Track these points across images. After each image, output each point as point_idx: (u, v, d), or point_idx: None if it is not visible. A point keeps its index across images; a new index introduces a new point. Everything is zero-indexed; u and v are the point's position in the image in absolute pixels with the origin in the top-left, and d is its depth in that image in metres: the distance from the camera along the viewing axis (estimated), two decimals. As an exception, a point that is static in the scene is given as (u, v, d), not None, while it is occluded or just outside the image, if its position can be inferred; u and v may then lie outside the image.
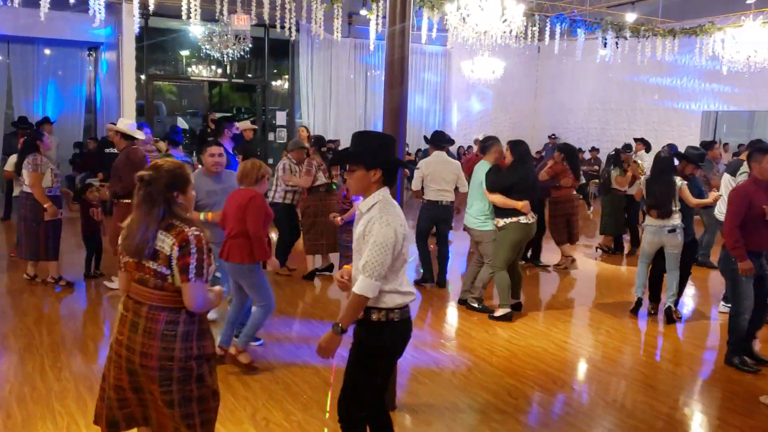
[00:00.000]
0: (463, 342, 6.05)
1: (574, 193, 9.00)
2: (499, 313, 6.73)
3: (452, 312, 7.08)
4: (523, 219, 6.53)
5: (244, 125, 11.24)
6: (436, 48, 18.07)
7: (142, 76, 15.16)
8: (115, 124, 7.71)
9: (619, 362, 5.78)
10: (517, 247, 6.74)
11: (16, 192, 7.88)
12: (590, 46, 14.76)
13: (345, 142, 16.06)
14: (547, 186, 8.69)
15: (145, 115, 15.34)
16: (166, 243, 2.88)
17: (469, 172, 7.40)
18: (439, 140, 7.90)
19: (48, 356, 5.35)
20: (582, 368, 5.70)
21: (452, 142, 8.74)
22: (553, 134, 19.35)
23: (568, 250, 9.18)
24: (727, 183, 7.51)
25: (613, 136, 17.87)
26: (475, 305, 6.98)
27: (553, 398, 4.98)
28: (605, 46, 13.83)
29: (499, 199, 6.53)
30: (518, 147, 6.68)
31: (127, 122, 7.54)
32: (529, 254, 9.17)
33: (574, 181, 8.86)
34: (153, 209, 2.89)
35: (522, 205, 6.46)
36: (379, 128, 11.46)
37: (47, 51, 14.87)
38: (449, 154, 9.53)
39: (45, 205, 7.12)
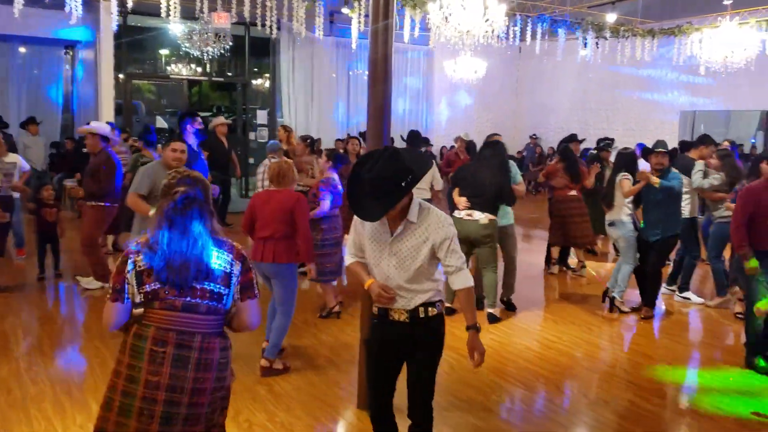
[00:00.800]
0: (446, 340, 6.01)
1: (573, 193, 8.61)
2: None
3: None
4: (456, 213, 6.53)
5: (217, 120, 11.14)
6: (418, 47, 18.05)
7: (121, 75, 14.97)
8: (88, 126, 7.60)
9: (602, 359, 5.80)
10: (460, 241, 6.57)
11: None
12: (571, 46, 14.83)
13: (327, 141, 16.02)
14: (544, 187, 8.74)
15: (123, 114, 15.16)
16: (222, 260, 2.63)
17: (449, 170, 7.47)
18: (415, 140, 7.93)
19: (23, 360, 5.25)
20: (565, 365, 5.70)
21: (427, 141, 8.87)
22: (534, 134, 19.44)
23: (579, 255, 8.95)
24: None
25: (593, 135, 17.87)
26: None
27: (537, 395, 4.98)
28: (585, 46, 13.89)
29: (455, 192, 6.69)
30: (483, 147, 6.93)
31: (99, 124, 7.48)
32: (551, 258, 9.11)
33: (569, 182, 8.62)
34: (203, 225, 2.64)
35: (457, 200, 6.55)
36: (362, 127, 11.39)
37: (22, 49, 14.60)
38: (427, 153, 9.62)
39: None
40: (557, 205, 8.69)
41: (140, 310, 2.63)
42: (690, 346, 6.25)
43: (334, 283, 6.65)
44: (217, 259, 2.62)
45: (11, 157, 7.97)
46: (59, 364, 5.23)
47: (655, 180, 6.49)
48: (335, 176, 6.61)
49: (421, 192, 7.66)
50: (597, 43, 13.53)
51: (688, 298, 7.59)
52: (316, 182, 6.82)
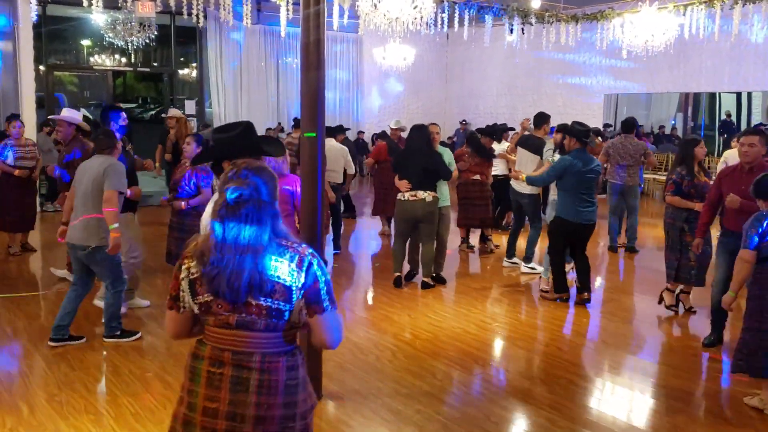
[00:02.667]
0: (385, 326, 6.08)
1: (475, 177, 8.87)
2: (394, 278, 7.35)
3: (372, 296, 7.10)
4: (400, 196, 7.14)
5: (174, 113, 10.86)
6: (347, 35, 18.00)
7: (41, 67, 14.41)
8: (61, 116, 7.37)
9: (538, 339, 5.96)
10: (401, 220, 7.25)
11: None
12: (498, 32, 15.03)
13: (258, 130, 15.82)
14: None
15: (45, 107, 14.60)
16: (281, 270, 2.20)
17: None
18: (329, 129, 8.43)
19: (-51, 364, 5.03)
20: (502, 347, 5.84)
21: (342, 129, 10.38)
22: (464, 120, 19.69)
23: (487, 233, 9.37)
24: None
25: (521, 120, 18.34)
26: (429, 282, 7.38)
27: (475, 377, 5.08)
28: (512, 32, 14.10)
29: (396, 178, 7.30)
30: (410, 132, 7.43)
31: (72, 113, 7.30)
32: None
33: (473, 165, 8.85)
34: (261, 229, 2.21)
35: (398, 182, 7.16)
36: (294, 114, 11.30)
37: (-69, 40, 13.88)
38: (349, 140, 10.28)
39: None
40: (460, 187, 9.02)
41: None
42: (625, 324, 6.48)
43: None
44: (276, 270, 2.19)
45: None
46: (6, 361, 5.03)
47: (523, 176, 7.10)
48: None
49: (331, 174, 8.26)
50: (523, 29, 13.75)
51: (534, 268, 8.05)
52: (184, 169, 6.56)
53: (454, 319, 6.36)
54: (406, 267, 7.56)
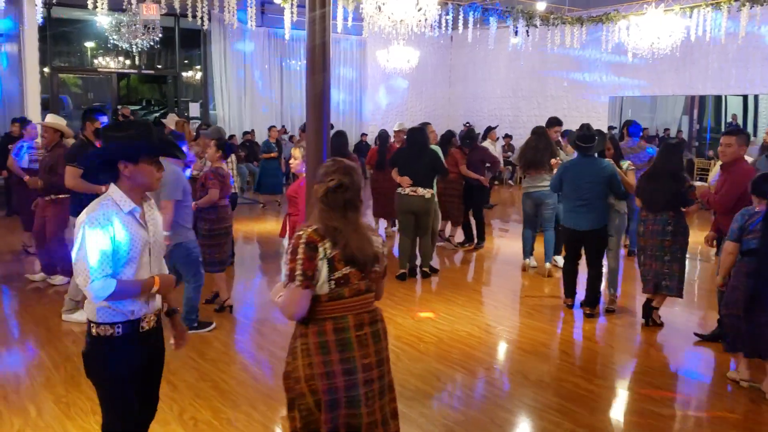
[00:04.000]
0: (390, 329, 6.06)
1: (453, 175, 9.04)
2: (398, 273, 7.76)
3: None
4: (401, 190, 7.71)
5: (171, 119, 10.91)
6: (351, 37, 18.02)
7: (46, 69, 14.45)
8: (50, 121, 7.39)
9: (542, 342, 5.95)
10: (403, 214, 7.79)
11: None
12: (502, 34, 15.06)
13: (260, 133, 15.84)
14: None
15: (50, 109, 14.63)
16: (378, 242, 2.83)
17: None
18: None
19: (-45, 366, 5.05)
20: (505, 350, 5.84)
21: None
22: (468, 122, 19.66)
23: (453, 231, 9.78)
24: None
25: (525, 123, 18.32)
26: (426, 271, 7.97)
27: (480, 381, 5.08)
28: (516, 35, 14.12)
29: (394, 173, 7.76)
30: (410, 133, 8.01)
31: (57, 119, 7.34)
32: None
33: (451, 165, 9.00)
34: (359, 212, 2.80)
35: (399, 179, 7.66)
36: (297, 116, 11.25)
37: (-62, 42, 13.94)
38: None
39: None
40: (439, 184, 9.04)
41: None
42: (631, 329, 6.46)
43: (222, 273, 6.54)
44: (376, 243, 2.80)
45: None
46: (-8, 370, 5.05)
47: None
48: (224, 166, 6.57)
49: None
50: (527, 32, 13.76)
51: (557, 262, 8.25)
52: (205, 171, 6.72)
53: (459, 322, 6.36)
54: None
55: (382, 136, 10.79)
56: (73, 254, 2.78)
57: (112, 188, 2.87)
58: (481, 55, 18.56)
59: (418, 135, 7.85)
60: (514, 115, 19.02)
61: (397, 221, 8.95)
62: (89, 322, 2.90)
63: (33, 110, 12.63)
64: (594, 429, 4.27)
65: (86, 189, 5.75)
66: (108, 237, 2.74)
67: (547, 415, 4.41)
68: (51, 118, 7.36)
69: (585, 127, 6.73)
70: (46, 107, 14.38)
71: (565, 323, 6.46)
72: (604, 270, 6.65)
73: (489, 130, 12.99)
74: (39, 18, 9.90)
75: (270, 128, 14.34)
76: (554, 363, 5.44)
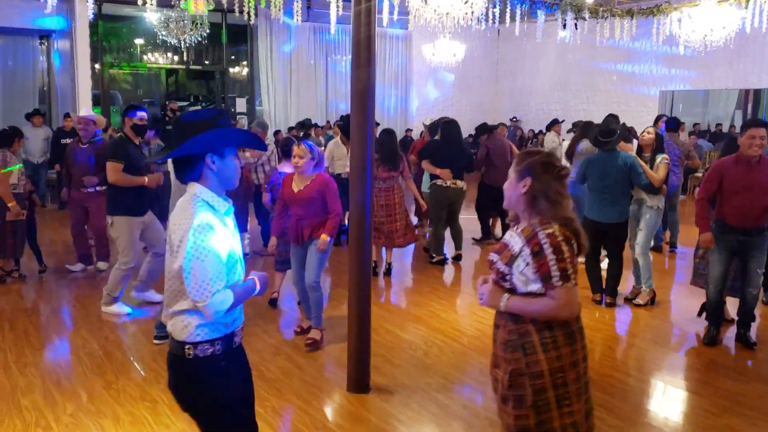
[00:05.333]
0: (434, 323, 6.07)
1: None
2: (435, 259, 8.19)
3: (422, 294, 7.09)
4: (439, 182, 7.93)
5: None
6: (397, 31, 18.00)
7: (97, 65, 14.79)
8: (76, 115, 7.65)
9: (587, 338, 5.85)
10: (441, 206, 8.04)
11: None
12: (550, 27, 14.83)
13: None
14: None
15: (101, 105, 14.98)
16: None
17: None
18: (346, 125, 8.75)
19: (12, 351, 5.21)
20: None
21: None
22: (515, 117, 19.49)
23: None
24: None
25: (573, 117, 18.01)
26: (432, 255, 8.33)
27: (525, 375, 5.02)
28: (565, 28, 13.89)
29: (426, 165, 8.02)
30: (445, 126, 8.20)
31: (85, 113, 7.55)
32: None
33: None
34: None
35: (440, 171, 7.86)
36: (342, 111, 11.28)
37: (-4, 40, 14.41)
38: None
39: (9, 204, 6.87)
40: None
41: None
42: (674, 323, 6.33)
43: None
44: None
45: None
46: (47, 355, 5.20)
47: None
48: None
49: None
50: (576, 24, 13.53)
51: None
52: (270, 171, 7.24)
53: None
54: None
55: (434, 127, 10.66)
56: (175, 265, 2.45)
57: (199, 188, 2.51)
58: (529, 48, 18.33)
59: (452, 128, 8.15)
60: (563, 110, 18.74)
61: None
62: (181, 344, 2.51)
63: (84, 106, 12.93)
64: (638, 425, 4.19)
65: (129, 182, 5.89)
66: (219, 243, 2.45)
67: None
68: (85, 111, 7.59)
69: (606, 121, 6.80)
70: (98, 103, 14.73)
71: (608, 319, 6.35)
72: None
73: (554, 123, 12.93)
74: (90, 14, 10.10)
75: (290, 129, 14.16)
76: (598, 358, 5.35)
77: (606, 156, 6.41)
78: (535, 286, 2.61)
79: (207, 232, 2.41)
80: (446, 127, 8.22)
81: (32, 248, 7.62)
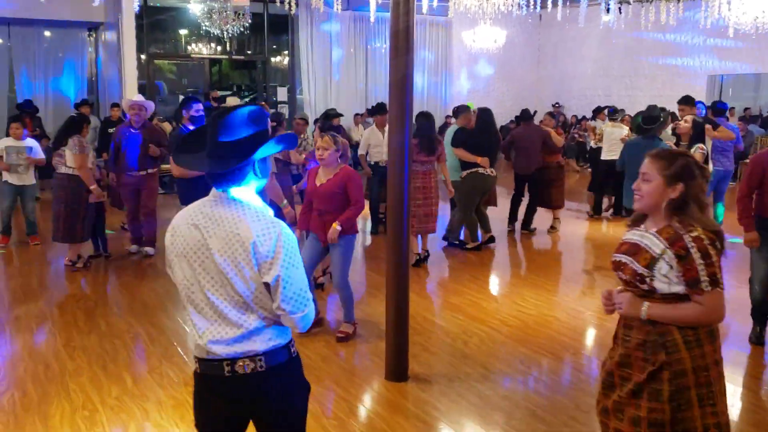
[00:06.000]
0: (474, 312, 6.05)
1: (558, 160, 9.40)
2: (470, 245, 8.23)
3: (461, 282, 7.07)
4: (480, 170, 7.89)
5: (232, 101, 11.23)
6: (437, 18, 17.87)
7: (143, 56, 15.04)
8: (128, 99, 7.87)
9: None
10: (477, 193, 8.09)
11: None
12: (593, 11, 14.59)
13: (347, 117, 15.97)
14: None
15: (146, 95, 15.22)
16: None
17: None
18: (381, 111, 8.86)
19: (61, 336, 5.37)
20: (593, 335, 5.70)
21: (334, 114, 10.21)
22: (557, 103, 19.21)
23: (557, 213, 9.52)
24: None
25: (617, 102, 17.70)
26: (455, 242, 8.41)
27: (565, 365, 4.98)
28: (608, 12, 13.65)
29: (463, 153, 7.88)
30: (481, 114, 8.18)
31: (138, 98, 7.80)
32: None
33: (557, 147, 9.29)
34: None
35: (481, 159, 7.83)
36: (382, 99, 11.20)
37: (47, 33, 14.73)
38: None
39: (91, 187, 7.06)
40: (547, 170, 9.11)
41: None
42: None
43: None
44: None
45: (28, 141, 8.28)
46: (94, 339, 5.33)
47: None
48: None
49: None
50: (620, 8, 13.29)
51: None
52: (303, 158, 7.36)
53: (545, 306, 6.26)
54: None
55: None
56: (268, 278, 2.25)
57: (248, 193, 2.35)
58: (571, 34, 18.03)
59: (489, 116, 8.21)
60: (605, 96, 18.41)
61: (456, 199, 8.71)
62: (287, 347, 2.45)
63: (131, 96, 13.18)
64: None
65: (192, 173, 5.97)
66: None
67: (634, 403, 4.28)
68: (138, 97, 7.77)
69: (650, 108, 6.72)
70: (143, 93, 14.98)
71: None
72: None
73: (599, 110, 12.80)
74: (135, 6, 10.30)
75: (315, 122, 14.02)
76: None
77: (645, 143, 6.39)
78: (679, 288, 2.55)
79: (291, 238, 2.30)
80: (483, 114, 8.23)
81: (99, 236, 7.78)
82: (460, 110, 8.41)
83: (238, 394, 2.37)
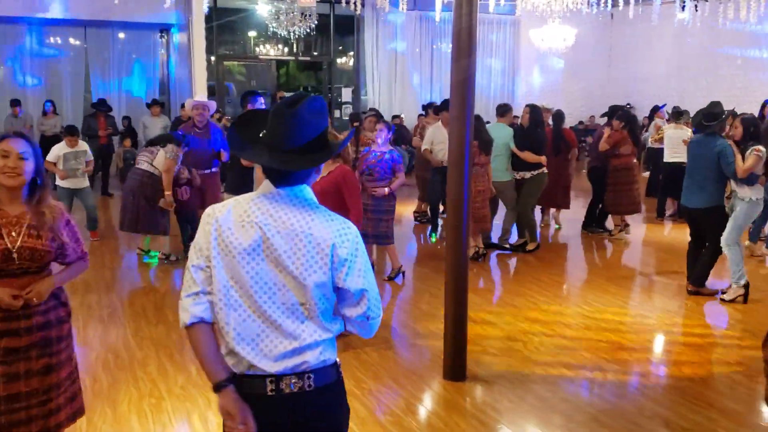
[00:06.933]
0: (535, 315, 5.96)
1: (635, 161, 8.96)
2: (530, 247, 8.16)
3: (521, 283, 6.98)
4: (545, 170, 8.12)
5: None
6: (504, 17, 17.69)
7: (212, 57, 15.42)
8: (191, 100, 8.06)
9: (698, 335, 5.59)
10: (539, 193, 8.26)
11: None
12: (667, 10, 14.15)
13: (410, 118, 15.99)
14: (607, 155, 8.70)
15: (216, 96, 15.62)
16: None
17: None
18: (443, 109, 8.60)
19: (130, 326, 5.56)
20: (658, 341, 5.54)
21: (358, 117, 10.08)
22: (629, 103, 18.70)
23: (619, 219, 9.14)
24: None
25: (692, 104, 17.13)
26: (506, 246, 8.31)
27: (629, 371, 4.86)
28: (683, 10, 13.24)
29: (530, 155, 7.93)
30: (534, 111, 8.20)
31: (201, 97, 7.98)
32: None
33: (634, 148, 8.81)
34: None
35: (544, 159, 8.03)
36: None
37: (121, 34, 15.29)
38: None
39: (166, 193, 7.20)
40: (621, 173, 8.69)
41: None
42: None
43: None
44: None
45: (81, 145, 8.43)
46: (162, 330, 5.50)
47: None
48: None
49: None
50: (696, 6, 12.86)
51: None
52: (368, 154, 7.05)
53: (609, 310, 6.12)
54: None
55: (558, 116, 9.26)
56: (348, 284, 2.08)
57: (310, 191, 2.17)
58: (644, 32, 17.53)
59: (539, 115, 8.27)
60: (679, 96, 17.84)
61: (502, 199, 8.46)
62: (333, 366, 2.16)
63: (200, 97, 13.53)
64: (757, 429, 3.96)
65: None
66: None
67: (702, 410, 4.14)
68: (200, 97, 7.95)
69: (712, 104, 6.49)
70: (213, 94, 15.37)
71: (722, 314, 6.01)
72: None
73: (656, 109, 12.48)
74: (205, 8, 10.57)
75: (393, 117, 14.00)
76: (710, 357, 5.09)
77: (705, 140, 6.25)
78: None
79: (361, 239, 2.17)
80: (533, 113, 8.21)
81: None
82: (505, 109, 8.46)
83: (279, 417, 2.10)
